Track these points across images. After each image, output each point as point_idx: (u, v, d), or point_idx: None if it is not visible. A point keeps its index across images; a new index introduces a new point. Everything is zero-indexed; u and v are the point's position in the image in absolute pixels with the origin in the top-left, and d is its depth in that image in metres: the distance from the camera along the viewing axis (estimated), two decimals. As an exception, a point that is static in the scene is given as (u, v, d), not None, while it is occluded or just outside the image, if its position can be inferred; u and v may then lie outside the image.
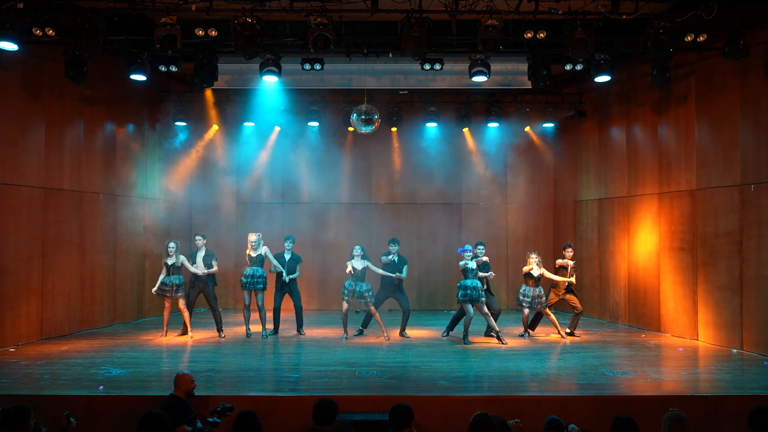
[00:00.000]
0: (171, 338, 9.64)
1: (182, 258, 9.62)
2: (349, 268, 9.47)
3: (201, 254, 9.84)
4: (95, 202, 10.66)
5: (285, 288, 10.01)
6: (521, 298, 9.71)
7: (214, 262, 9.83)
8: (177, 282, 9.55)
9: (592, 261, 12.28)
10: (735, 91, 8.99)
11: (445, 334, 9.93)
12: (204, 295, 9.92)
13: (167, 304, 9.71)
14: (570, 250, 10.02)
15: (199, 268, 9.72)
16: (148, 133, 12.02)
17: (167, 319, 9.80)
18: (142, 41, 9.03)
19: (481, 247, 9.79)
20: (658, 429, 4.29)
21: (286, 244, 10.08)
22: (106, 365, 7.70)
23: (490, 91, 12.26)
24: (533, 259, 9.66)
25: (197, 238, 9.97)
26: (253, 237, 9.81)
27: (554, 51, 9.43)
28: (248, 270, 9.71)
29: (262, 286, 9.68)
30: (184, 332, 9.83)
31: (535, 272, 9.63)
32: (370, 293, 9.51)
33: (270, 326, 10.07)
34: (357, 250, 9.59)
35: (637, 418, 4.25)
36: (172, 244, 9.63)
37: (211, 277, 9.88)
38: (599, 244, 12.13)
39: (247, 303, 9.73)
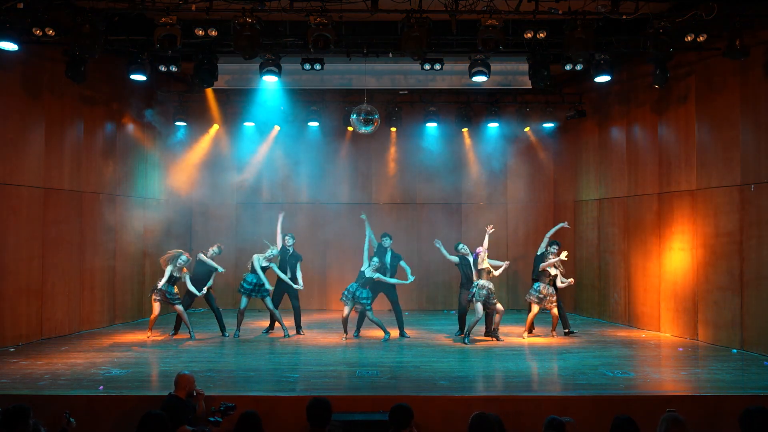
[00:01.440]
0: (155, 337, 9.63)
1: (181, 273, 9.60)
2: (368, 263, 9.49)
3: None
4: (95, 202, 10.66)
5: (283, 286, 10.01)
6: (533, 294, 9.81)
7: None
8: (170, 290, 9.58)
9: (592, 261, 12.28)
10: (735, 91, 8.99)
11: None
12: (206, 299, 9.94)
13: (157, 308, 9.62)
14: (555, 246, 9.92)
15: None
16: (148, 133, 12.01)
17: (153, 322, 9.72)
18: (142, 41, 9.02)
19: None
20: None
21: (287, 241, 10.12)
22: (106, 365, 7.71)
23: (490, 91, 12.25)
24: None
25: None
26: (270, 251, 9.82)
27: (554, 51, 9.42)
28: (251, 277, 9.71)
29: (266, 293, 9.73)
30: (177, 327, 9.84)
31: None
32: (369, 302, 9.48)
33: (266, 323, 10.31)
34: (374, 262, 9.48)
35: (637, 418, 4.24)
36: (183, 258, 9.57)
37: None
38: (599, 244, 12.13)
39: (242, 307, 9.75)
